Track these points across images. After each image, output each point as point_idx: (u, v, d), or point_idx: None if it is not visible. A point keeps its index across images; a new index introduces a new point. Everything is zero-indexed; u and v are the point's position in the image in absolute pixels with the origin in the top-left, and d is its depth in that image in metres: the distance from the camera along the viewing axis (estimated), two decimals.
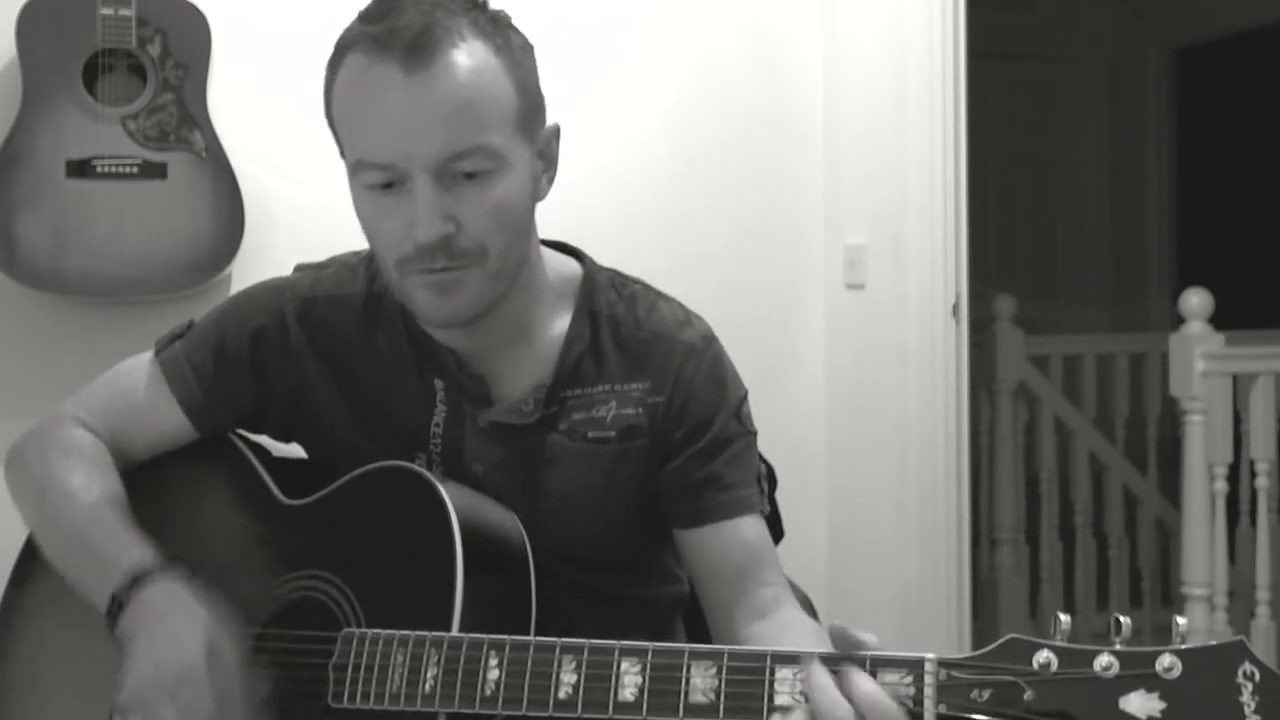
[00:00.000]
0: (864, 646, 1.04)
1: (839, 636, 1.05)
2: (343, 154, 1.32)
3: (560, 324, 1.40)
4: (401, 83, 1.22)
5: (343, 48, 1.27)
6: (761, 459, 1.54)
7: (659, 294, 1.46)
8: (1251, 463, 3.39)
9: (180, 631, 1.23)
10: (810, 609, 1.60)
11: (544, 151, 1.34)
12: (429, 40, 1.22)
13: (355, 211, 1.31)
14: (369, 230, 1.31)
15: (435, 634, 1.19)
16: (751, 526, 1.40)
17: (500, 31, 1.28)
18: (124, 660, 1.25)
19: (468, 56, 1.23)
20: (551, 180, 1.37)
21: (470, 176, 1.25)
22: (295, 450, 1.50)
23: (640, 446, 1.39)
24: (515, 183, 1.28)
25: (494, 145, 1.25)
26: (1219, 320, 3.30)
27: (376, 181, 1.26)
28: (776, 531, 1.63)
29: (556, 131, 1.36)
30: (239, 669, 1.23)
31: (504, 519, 1.34)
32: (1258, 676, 0.94)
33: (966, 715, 0.99)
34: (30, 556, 1.45)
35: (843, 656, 1.04)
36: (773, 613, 1.37)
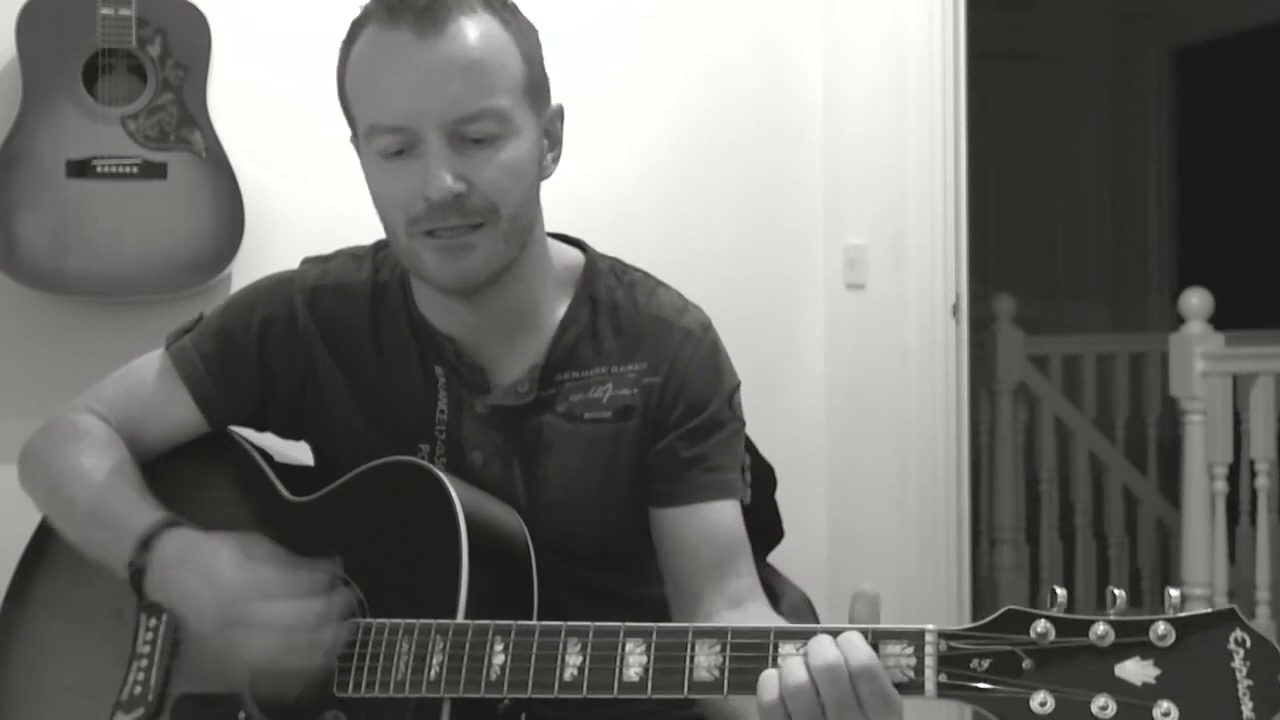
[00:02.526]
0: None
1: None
2: (353, 133, 1.35)
3: (560, 310, 1.42)
4: (413, 47, 1.26)
5: (358, 24, 1.32)
6: (762, 460, 1.54)
7: (658, 282, 1.48)
8: (1251, 463, 3.39)
9: (209, 561, 1.27)
10: (809, 608, 1.61)
11: (549, 130, 1.37)
12: (440, 6, 1.26)
13: (366, 181, 1.33)
14: (379, 197, 1.33)
15: (440, 622, 1.20)
16: (732, 513, 1.40)
17: (508, 8, 1.33)
18: (173, 615, 1.30)
19: (476, 24, 1.28)
20: (556, 160, 1.39)
21: (479, 142, 1.28)
22: (299, 454, 1.51)
23: (634, 427, 1.40)
24: (523, 148, 1.31)
25: (502, 108, 1.28)
26: (1219, 320, 3.30)
27: (389, 147, 1.29)
28: (776, 531, 1.63)
29: (561, 112, 1.39)
30: (276, 562, 1.27)
31: (506, 515, 1.35)
32: (1249, 643, 0.97)
33: (967, 684, 1.01)
34: (34, 557, 1.46)
35: (843, 629, 1.05)
36: (746, 604, 1.37)
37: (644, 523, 1.42)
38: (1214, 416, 3.24)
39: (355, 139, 1.35)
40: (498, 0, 1.32)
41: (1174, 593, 1.00)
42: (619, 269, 1.46)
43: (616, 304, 1.42)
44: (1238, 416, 3.37)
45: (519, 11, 1.34)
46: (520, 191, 1.31)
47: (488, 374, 1.40)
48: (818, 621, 1.58)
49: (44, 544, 1.45)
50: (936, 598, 3.06)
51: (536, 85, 1.33)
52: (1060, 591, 1.02)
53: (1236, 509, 3.89)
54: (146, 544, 1.31)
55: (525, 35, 1.33)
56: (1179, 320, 3.32)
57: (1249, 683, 0.95)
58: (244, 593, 1.24)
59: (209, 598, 1.26)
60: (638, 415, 1.39)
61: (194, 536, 1.31)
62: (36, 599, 1.44)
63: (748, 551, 1.41)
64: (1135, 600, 4.40)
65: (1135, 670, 0.98)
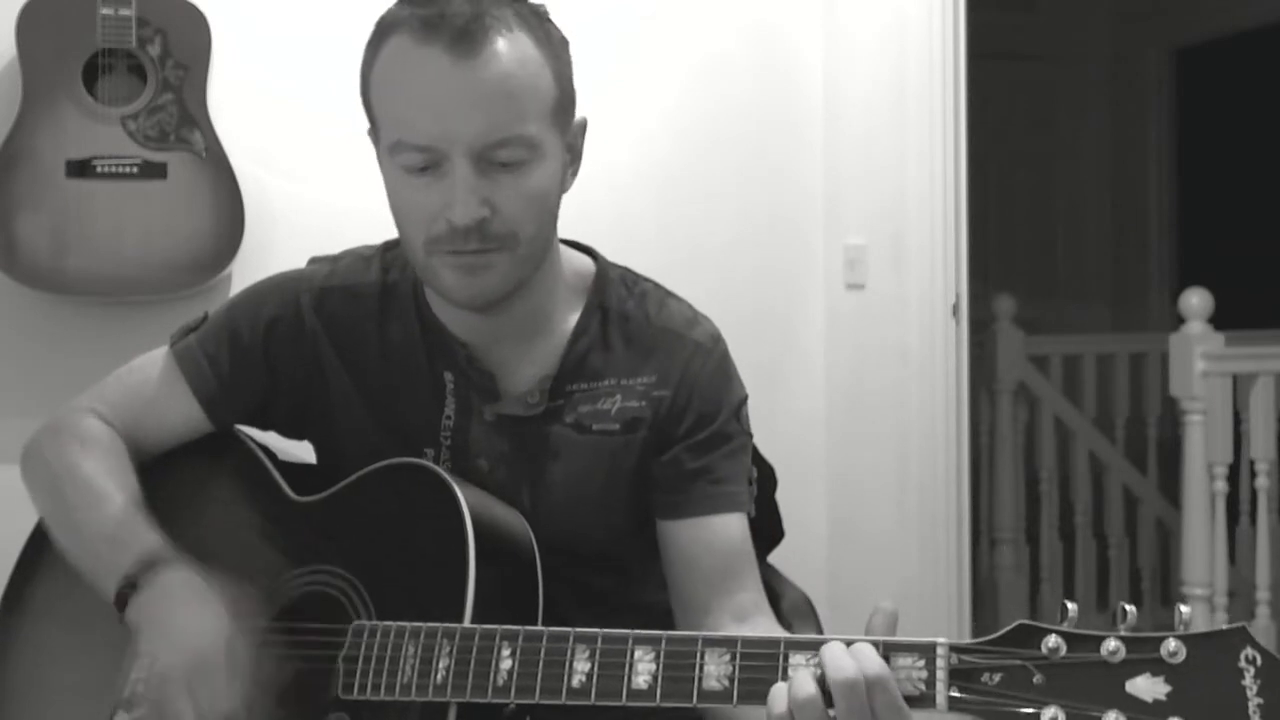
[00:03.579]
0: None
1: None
2: (374, 132, 1.33)
3: (571, 319, 1.42)
4: (448, 67, 1.24)
5: (386, 28, 1.29)
6: (763, 460, 1.54)
7: (669, 293, 1.47)
8: (1251, 463, 3.39)
9: (196, 621, 1.23)
10: (810, 608, 1.60)
11: (572, 144, 1.36)
12: (479, 28, 1.24)
13: (386, 190, 1.32)
14: (399, 209, 1.32)
15: (447, 625, 1.19)
16: (739, 526, 1.40)
17: (542, 24, 1.30)
18: (135, 645, 1.24)
19: (512, 47, 1.25)
20: (575, 174, 1.38)
21: (506, 166, 1.26)
22: (302, 454, 1.51)
23: (642, 438, 1.39)
24: (548, 172, 1.30)
25: (532, 135, 1.27)
26: (1219, 320, 3.30)
27: (414, 164, 1.27)
28: (777, 532, 1.64)
29: (584, 126, 1.38)
30: (254, 661, 1.23)
31: (511, 517, 1.35)
32: (1259, 661, 0.97)
33: (978, 698, 1.01)
34: (32, 558, 1.46)
35: (854, 640, 1.05)
36: (751, 618, 1.36)
37: (647, 527, 1.42)
38: (1214, 416, 3.24)
39: (374, 134, 1.34)
40: (532, 16, 1.29)
41: (1184, 609, 0.99)
42: (630, 279, 1.46)
43: (627, 315, 1.42)
44: (1238, 416, 3.37)
45: (553, 25, 1.32)
46: (541, 216, 1.31)
47: (497, 380, 1.40)
48: (817, 620, 1.59)
49: (43, 544, 1.44)
50: (936, 598, 3.06)
51: (565, 104, 1.32)
52: (1071, 606, 1.02)
53: (1236, 509, 3.89)
54: (122, 598, 1.27)
55: (557, 54, 1.31)
56: (1179, 320, 3.32)
57: (1259, 701, 0.96)
58: (184, 683, 1.19)
59: (156, 659, 1.21)
60: (645, 427, 1.39)
61: (169, 596, 1.25)
62: (36, 599, 1.43)
63: (754, 565, 1.40)
64: (1136, 601, 4.36)
65: (1146, 686, 0.98)
